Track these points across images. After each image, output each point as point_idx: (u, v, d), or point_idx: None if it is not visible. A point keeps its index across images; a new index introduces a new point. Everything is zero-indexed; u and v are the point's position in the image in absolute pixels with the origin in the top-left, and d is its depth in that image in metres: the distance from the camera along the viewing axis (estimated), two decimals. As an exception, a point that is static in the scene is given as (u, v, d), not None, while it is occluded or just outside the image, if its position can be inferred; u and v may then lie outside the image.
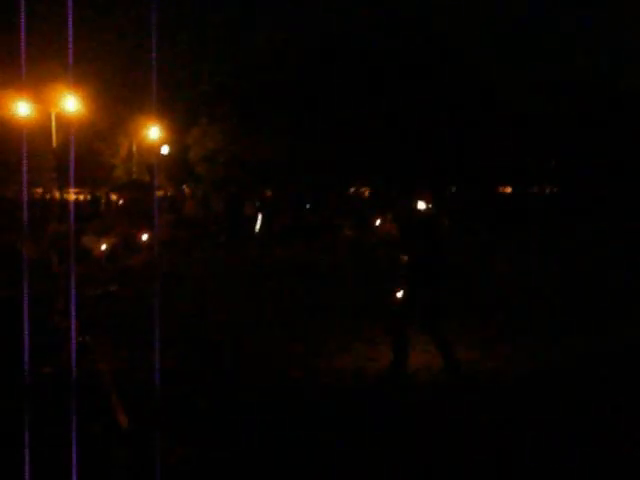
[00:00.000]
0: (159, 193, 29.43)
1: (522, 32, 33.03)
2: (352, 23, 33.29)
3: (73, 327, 3.22)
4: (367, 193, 36.28)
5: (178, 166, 36.39)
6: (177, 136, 35.69)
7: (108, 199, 30.58)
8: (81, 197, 31.02)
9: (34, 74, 22.83)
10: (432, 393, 5.95)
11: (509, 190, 38.37)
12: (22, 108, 24.96)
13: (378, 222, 15.37)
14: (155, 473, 3.48)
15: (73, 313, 3.49)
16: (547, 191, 37.80)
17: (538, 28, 33.48)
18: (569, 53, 33.26)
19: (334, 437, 4.93)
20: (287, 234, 19.71)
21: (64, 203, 22.06)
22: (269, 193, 31.73)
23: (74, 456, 3.04)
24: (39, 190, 32.24)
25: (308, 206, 25.08)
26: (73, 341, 3.75)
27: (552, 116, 33.04)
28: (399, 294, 6.16)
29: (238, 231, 20.18)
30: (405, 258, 6.19)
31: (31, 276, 2.90)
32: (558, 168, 35.74)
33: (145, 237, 16.16)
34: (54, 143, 29.28)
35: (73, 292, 3.04)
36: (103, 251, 14.58)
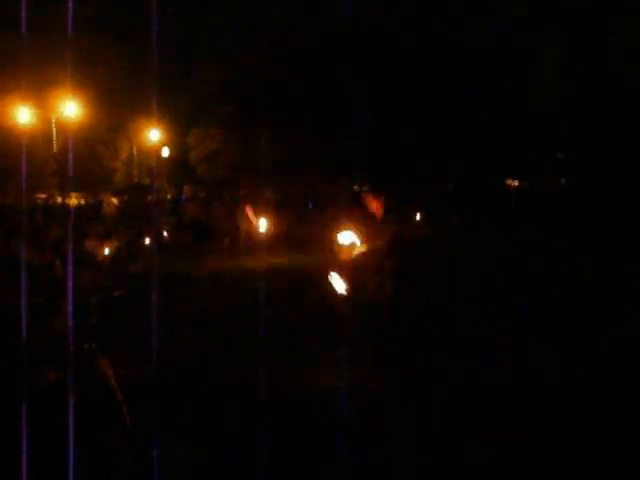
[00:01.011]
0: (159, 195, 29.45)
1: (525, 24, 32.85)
2: (351, 22, 33.23)
3: (74, 331, 3.20)
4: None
5: (178, 168, 36.40)
6: (177, 138, 35.70)
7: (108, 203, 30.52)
8: (83, 201, 31.00)
9: (35, 80, 22.84)
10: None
11: (516, 184, 38.08)
12: (23, 114, 24.99)
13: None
14: (158, 475, 3.46)
15: (76, 318, 3.46)
16: (554, 183, 37.42)
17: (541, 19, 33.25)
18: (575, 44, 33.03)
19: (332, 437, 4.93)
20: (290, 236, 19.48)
21: (66, 208, 22.06)
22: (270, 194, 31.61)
23: (70, 458, 3.02)
24: (42, 195, 32.25)
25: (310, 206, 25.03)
26: (76, 346, 3.73)
27: (558, 107, 32.83)
28: None
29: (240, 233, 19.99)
30: None
31: (35, 282, 2.88)
32: (565, 160, 35.45)
33: (148, 241, 16.14)
34: (55, 148, 29.30)
35: (76, 297, 3.02)
36: (107, 256, 14.50)
